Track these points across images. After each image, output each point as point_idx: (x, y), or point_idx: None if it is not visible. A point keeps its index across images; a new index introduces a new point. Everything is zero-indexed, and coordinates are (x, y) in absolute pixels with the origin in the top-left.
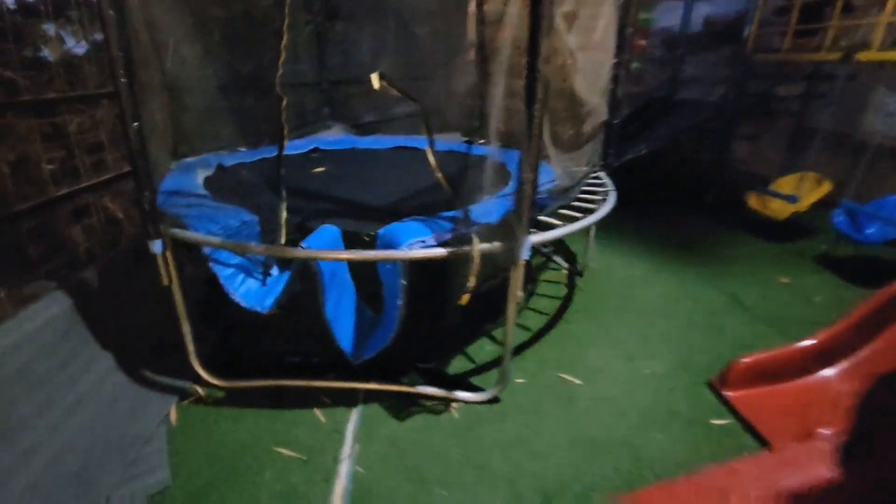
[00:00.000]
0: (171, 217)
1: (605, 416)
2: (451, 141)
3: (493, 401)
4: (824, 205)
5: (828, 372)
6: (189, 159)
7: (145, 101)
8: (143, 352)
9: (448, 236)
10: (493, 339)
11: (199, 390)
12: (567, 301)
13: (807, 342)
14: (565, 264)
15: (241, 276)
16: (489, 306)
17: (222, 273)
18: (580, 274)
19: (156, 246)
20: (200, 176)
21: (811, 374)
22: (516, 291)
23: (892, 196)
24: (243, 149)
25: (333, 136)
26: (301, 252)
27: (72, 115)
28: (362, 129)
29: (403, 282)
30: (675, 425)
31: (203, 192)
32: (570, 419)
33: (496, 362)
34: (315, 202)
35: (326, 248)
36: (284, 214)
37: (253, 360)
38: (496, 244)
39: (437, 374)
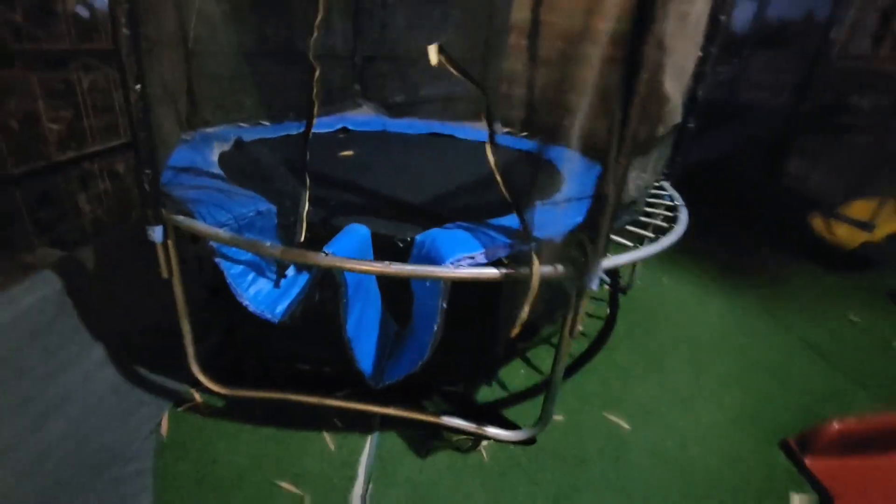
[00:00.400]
0: (175, 200)
1: (661, 476)
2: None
3: (529, 441)
4: None
5: None
6: (205, 130)
7: (155, 59)
8: (140, 345)
9: (502, 253)
10: (527, 362)
11: (197, 396)
12: (610, 323)
13: None
14: (607, 279)
15: (252, 275)
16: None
17: (230, 270)
18: (624, 292)
19: (155, 234)
20: (216, 151)
21: None
22: (575, 327)
23: None
24: (266, 122)
25: (363, 116)
26: (325, 259)
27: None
28: (393, 111)
29: (444, 304)
30: (745, 497)
31: (217, 170)
32: (620, 476)
33: (532, 391)
34: (341, 193)
35: (354, 253)
36: (307, 207)
37: (259, 364)
38: (560, 268)
39: (465, 402)
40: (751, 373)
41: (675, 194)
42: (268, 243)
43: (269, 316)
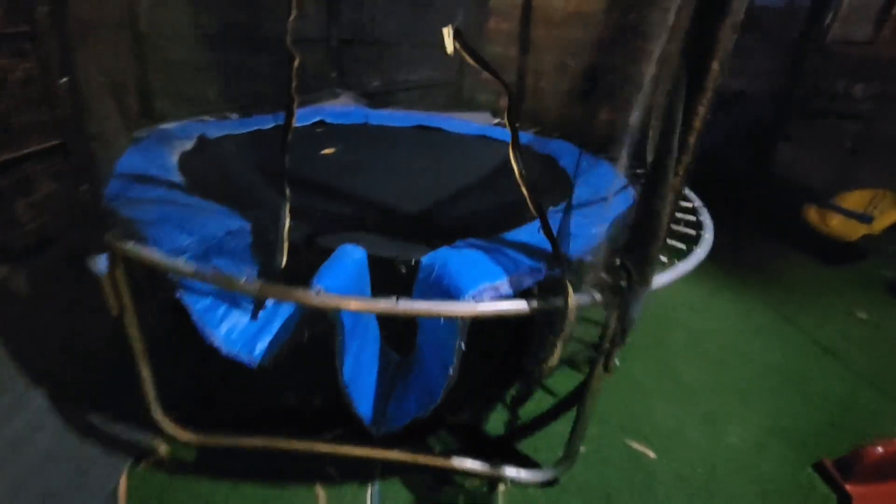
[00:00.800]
0: (123, 221)
1: None
2: (473, 121)
3: (552, 482)
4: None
5: None
6: (162, 126)
7: (95, 43)
8: (91, 386)
9: (528, 281)
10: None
11: (161, 448)
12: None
13: None
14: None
15: (223, 308)
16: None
17: (195, 305)
18: None
19: (98, 265)
20: (175, 152)
21: None
22: (612, 360)
23: None
24: (233, 115)
25: (341, 107)
26: (317, 299)
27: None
28: (372, 100)
29: (461, 344)
30: None
31: (176, 177)
32: None
33: (546, 418)
34: (326, 202)
35: (350, 285)
36: (288, 223)
37: (235, 401)
38: (598, 296)
39: (476, 437)
40: (769, 381)
41: (691, 193)
42: (243, 278)
43: (245, 358)
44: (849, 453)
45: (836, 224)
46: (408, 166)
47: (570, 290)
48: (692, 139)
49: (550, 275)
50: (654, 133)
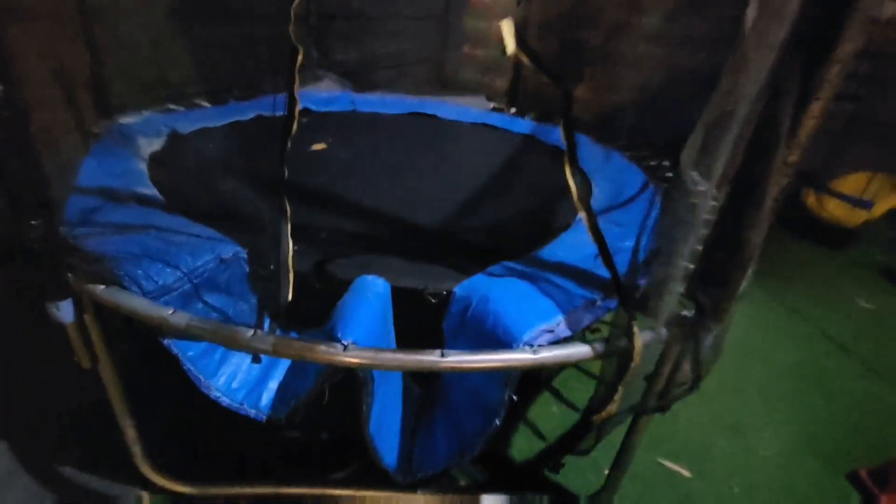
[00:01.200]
0: (90, 257)
1: None
2: (470, 106)
3: None
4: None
5: None
6: (123, 121)
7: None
8: (63, 433)
9: (588, 319)
10: (557, 395)
11: (147, 501)
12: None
13: None
14: None
15: (220, 352)
16: None
17: (186, 353)
18: None
19: (62, 312)
20: (143, 153)
21: None
22: (670, 404)
23: None
24: (204, 103)
25: (326, 92)
26: (348, 356)
27: None
28: (354, 81)
29: (511, 394)
30: None
31: (147, 188)
32: None
33: (572, 436)
34: (328, 215)
35: (378, 330)
36: (291, 247)
37: (230, 440)
38: (664, 332)
39: (503, 464)
40: (788, 381)
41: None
42: (249, 332)
43: (252, 412)
44: (883, 463)
45: (835, 209)
46: (411, 164)
47: (636, 329)
48: (794, 158)
49: (609, 308)
50: (732, 145)
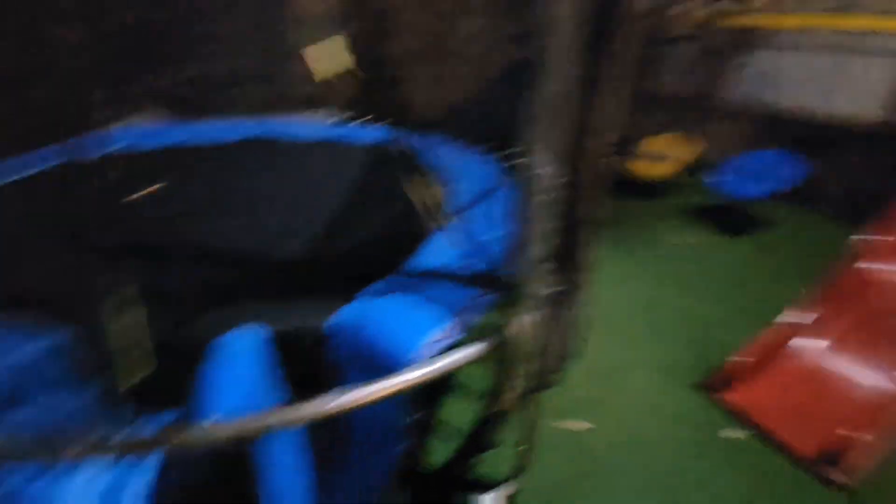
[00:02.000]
0: None
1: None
2: (312, 123)
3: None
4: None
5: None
6: None
7: None
8: None
9: (473, 316)
10: (464, 389)
11: None
12: None
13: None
14: None
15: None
16: None
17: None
18: None
19: None
20: None
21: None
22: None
23: (761, 152)
24: None
25: (150, 126)
26: (218, 431)
27: None
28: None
29: (411, 417)
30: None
31: None
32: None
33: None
34: (173, 266)
35: (245, 387)
36: (139, 312)
37: None
38: (546, 311)
39: (421, 478)
40: (643, 319)
41: None
42: (79, 446)
43: None
44: (718, 372)
45: (642, 167)
46: (258, 195)
47: (525, 312)
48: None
49: (493, 301)
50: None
